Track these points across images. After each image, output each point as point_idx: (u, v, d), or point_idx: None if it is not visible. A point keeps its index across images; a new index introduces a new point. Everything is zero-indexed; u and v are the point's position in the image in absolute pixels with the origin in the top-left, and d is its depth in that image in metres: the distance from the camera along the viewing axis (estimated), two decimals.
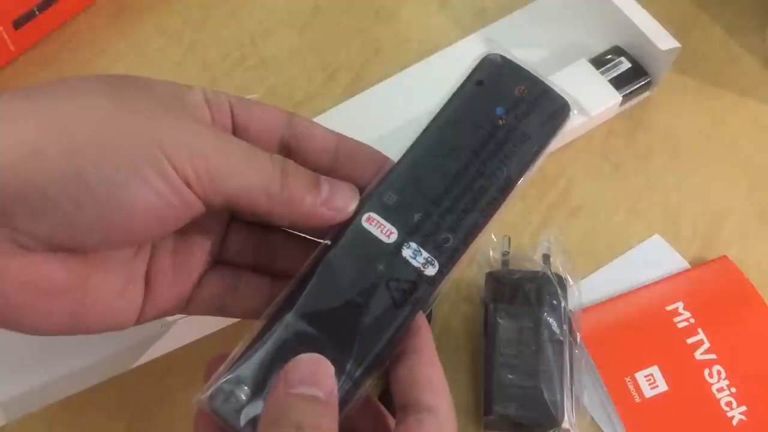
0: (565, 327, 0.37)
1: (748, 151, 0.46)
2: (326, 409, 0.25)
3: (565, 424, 0.35)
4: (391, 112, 0.46)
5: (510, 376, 0.35)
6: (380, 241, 0.28)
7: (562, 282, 0.38)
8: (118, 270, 0.27)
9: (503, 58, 0.30)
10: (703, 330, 0.38)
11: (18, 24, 0.47)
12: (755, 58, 0.49)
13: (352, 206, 0.28)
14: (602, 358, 0.38)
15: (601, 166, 0.45)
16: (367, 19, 0.51)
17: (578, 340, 0.37)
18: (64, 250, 0.25)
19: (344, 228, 0.28)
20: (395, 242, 0.28)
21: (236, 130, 0.30)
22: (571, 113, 0.30)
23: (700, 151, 0.45)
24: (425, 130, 0.30)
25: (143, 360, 0.37)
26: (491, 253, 0.40)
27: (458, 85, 0.30)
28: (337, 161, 0.30)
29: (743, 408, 0.36)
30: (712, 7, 0.51)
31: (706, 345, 0.38)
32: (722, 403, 0.37)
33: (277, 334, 0.27)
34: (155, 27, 0.50)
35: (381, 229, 0.28)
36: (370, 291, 0.27)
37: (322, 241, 0.29)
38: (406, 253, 0.28)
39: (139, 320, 0.29)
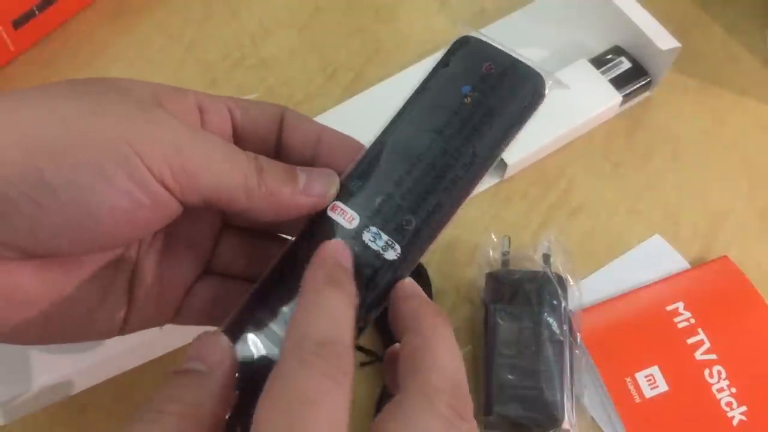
0: (565, 327, 0.37)
1: (749, 151, 0.46)
2: (205, 380, 0.24)
3: (565, 424, 0.35)
4: (391, 112, 0.46)
5: (510, 377, 0.35)
6: (343, 228, 0.27)
7: (562, 282, 0.38)
8: (97, 280, 0.27)
9: (472, 38, 0.29)
10: (703, 330, 0.38)
11: (18, 24, 0.47)
12: (755, 57, 0.49)
13: (332, 191, 0.28)
14: (602, 358, 0.38)
15: (601, 166, 0.45)
16: (367, 19, 0.51)
17: (578, 340, 0.37)
18: (35, 258, 0.24)
19: (313, 218, 0.28)
20: (356, 227, 0.27)
21: (237, 135, 0.29)
22: (547, 86, 0.28)
23: (700, 151, 0.45)
24: (393, 117, 0.29)
25: (143, 360, 0.37)
26: (491, 253, 0.40)
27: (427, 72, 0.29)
28: (319, 152, 0.30)
29: (743, 408, 0.36)
30: (712, 6, 0.51)
31: (707, 345, 0.38)
32: (722, 403, 0.37)
33: (244, 328, 0.26)
34: (155, 27, 0.50)
35: (344, 215, 0.27)
36: None
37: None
38: (366, 237, 0.27)
39: (124, 331, 0.28)
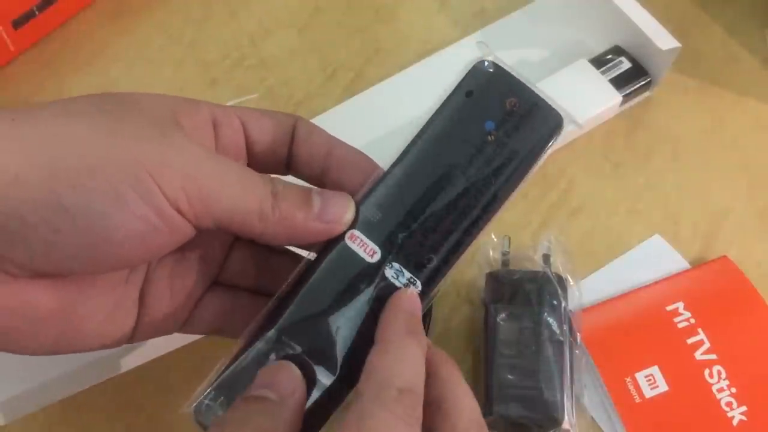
0: (565, 327, 0.37)
1: (748, 150, 0.46)
2: (277, 409, 0.24)
3: (565, 424, 0.35)
4: (391, 112, 0.46)
5: (510, 377, 0.35)
6: (363, 261, 0.27)
7: (562, 282, 0.38)
8: (109, 294, 0.27)
9: (495, 65, 0.28)
10: (703, 330, 0.38)
11: (18, 24, 0.47)
12: (755, 57, 0.49)
13: (348, 217, 0.28)
14: (602, 358, 0.38)
15: (601, 166, 0.45)
16: (367, 19, 0.51)
17: (578, 340, 0.37)
18: (49, 276, 0.25)
19: (329, 243, 0.28)
20: (378, 262, 0.27)
21: (249, 147, 0.29)
22: (564, 127, 0.28)
23: (700, 151, 0.45)
24: (413, 142, 0.29)
25: (143, 360, 0.37)
26: (491, 253, 0.40)
27: (448, 93, 0.29)
28: (329, 166, 0.30)
29: (743, 408, 0.36)
30: (712, 6, 0.51)
31: (707, 345, 0.38)
32: (722, 403, 0.37)
33: (257, 349, 0.27)
34: (155, 27, 0.50)
35: (364, 248, 0.27)
36: (352, 311, 0.27)
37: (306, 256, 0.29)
38: (389, 273, 0.27)
39: (132, 340, 0.28)
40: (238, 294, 0.31)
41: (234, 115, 0.29)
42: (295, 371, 0.26)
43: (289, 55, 0.49)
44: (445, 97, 0.29)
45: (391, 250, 0.27)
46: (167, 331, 0.30)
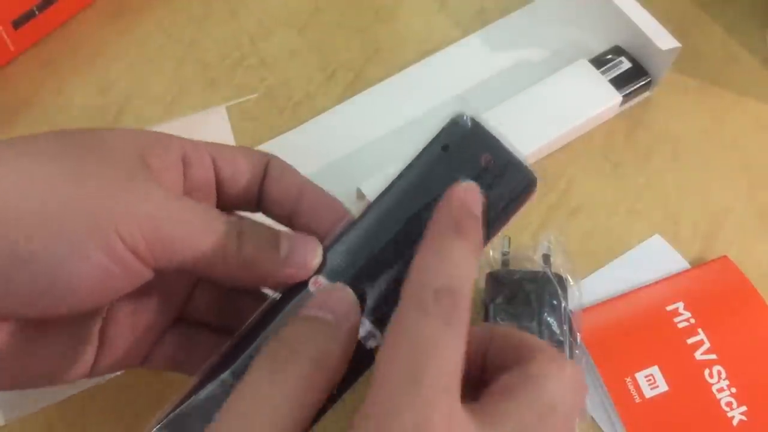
0: (565, 327, 0.37)
1: (748, 150, 0.46)
2: (334, 331, 0.24)
3: None
4: (391, 112, 0.46)
5: None
6: None
7: (562, 282, 0.38)
8: (67, 332, 0.27)
9: (472, 121, 0.28)
10: (703, 330, 0.38)
11: (18, 24, 0.47)
12: (755, 57, 0.49)
13: (314, 263, 0.27)
14: (602, 358, 0.38)
15: (601, 166, 0.45)
16: (367, 19, 0.51)
17: (578, 340, 0.37)
18: (2, 320, 0.24)
19: (292, 287, 0.27)
20: None
21: (219, 184, 0.29)
22: (536, 189, 0.28)
23: (700, 151, 0.45)
24: (385, 191, 0.28)
25: None
26: (491, 253, 0.40)
27: (425, 145, 0.28)
28: (300, 208, 0.29)
29: (743, 408, 0.36)
30: (712, 6, 0.51)
31: (707, 345, 0.38)
32: (722, 403, 0.37)
33: (209, 390, 0.26)
34: (155, 26, 0.50)
35: None
36: None
37: (271, 295, 0.28)
38: None
39: (91, 375, 0.28)
40: (201, 331, 0.30)
41: (205, 151, 0.29)
42: (349, 293, 0.25)
43: (289, 55, 0.49)
44: (421, 149, 0.28)
45: None
46: (128, 367, 0.29)
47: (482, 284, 0.39)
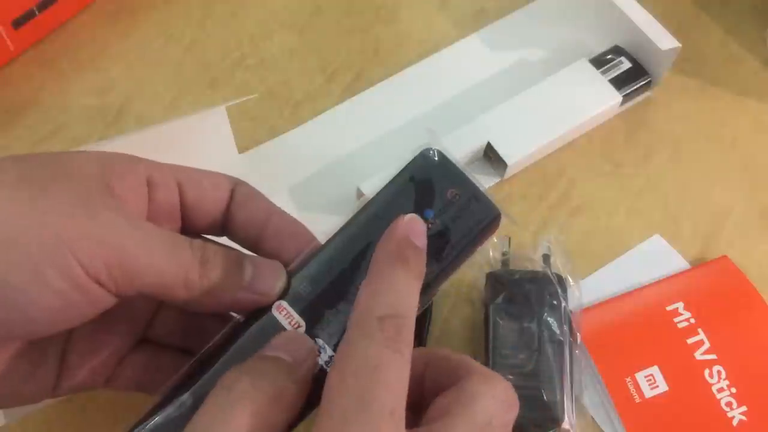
0: (565, 327, 0.37)
1: (748, 151, 0.46)
2: (292, 369, 0.24)
3: (565, 424, 0.35)
4: (391, 112, 0.46)
5: (510, 377, 0.35)
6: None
7: (562, 282, 0.38)
8: (27, 354, 0.27)
9: (440, 154, 0.29)
10: (703, 330, 0.38)
11: (18, 24, 0.47)
12: (755, 58, 0.49)
13: (277, 289, 0.27)
14: (602, 358, 0.38)
15: (601, 166, 0.45)
16: (367, 19, 0.51)
17: (578, 340, 0.37)
18: None
19: (256, 310, 0.27)
20: None
21: (184, 208, 0.29)
22: (500, 224, 0.28)
23: (700, 151, 0.45)
24: (351, 220, 0.28)
25: None
26: (491, 253, 0.40)
27: (393, 176, 0.29)
28: (266, 234, 0.29)
29: (743, 408, 0.36)
30: (712, 7, 0.51)
31: (707, 345, 0.38)
32: (722, 403, 0.37)
33: (169, 412, 0.26)
34: (155, 27, 0.50)
35: (290, 320, 0.27)
36: None
37: (236, 316, 0.28)
38: None
39: (53, 395, 0.28)
40: (164, 352, 0.30)
41: (170, 174, 0.29)
42: (309, 341, 0.26)
43: (289, 55, 0.49)
44: (389, 180, 0.29)
45: (315, 325, 0.27)
46: (90, 388, 0.29)
47: (482, 284, 0.39)
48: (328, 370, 0.24)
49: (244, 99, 0.42)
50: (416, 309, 0.25)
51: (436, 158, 0.29)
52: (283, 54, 0.49)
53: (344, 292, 0.27)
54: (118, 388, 0.30)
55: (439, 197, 0.28)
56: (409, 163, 0.29)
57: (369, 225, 0.28)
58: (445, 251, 0.28)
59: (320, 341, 0.27)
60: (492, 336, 0.37)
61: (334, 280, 0.27)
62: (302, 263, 0.28)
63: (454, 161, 0.29)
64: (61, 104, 0.47)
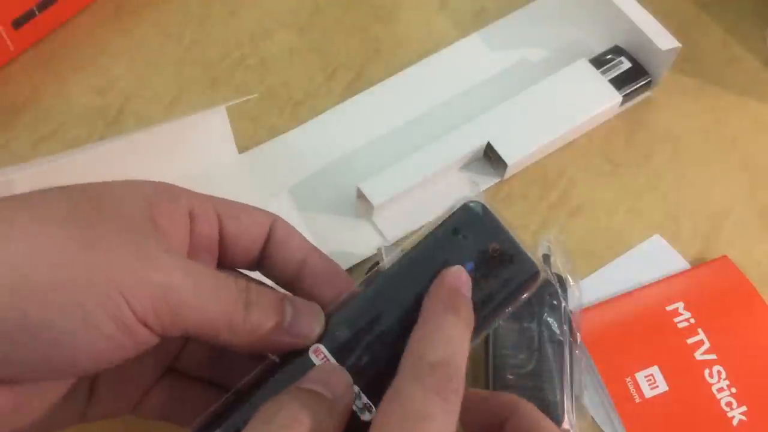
0: (565, 327, 0.37)
1: (749, 150, 0.46)
2: (332, 405, 0.24)
3: (565, 424, 0.35)
4: (391, 112, 0.46)
5: (510, 377, 0.35)
6: None
7: (562, 282, 0.38)
8: (62, 387, 0.27)
9: (483, 208, 0.29)
10: (703, 330, 0.38)
11: (18, 24, 0.46)
12: (756, 57, 0.49)
13: (316, 332, 0.27)
14: (602, 358, 0.38)
15: (601, 166, 0.45)
16: (367, 19, 0.51)
17: (578, 340, 0.37)
18: (4, 382, 0.24)
19: (294, 351, 0.27)
20: None
21: (223, 241, 0.29)
22: (539, 282, 0.29)
23: (700, 150, 0.45)
24: (393, 266, 0.29)
25: None
26: None
27: (435, 225, 0.29)
28: (303, 274, 0.29)
29: (743, 408, 0.36)
30: (712, 6, 0.51)
31: (707, 345, 0.38)
32: (722, 403, 0.37)
33: None
34: (155, 27, 0.50)
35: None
36: None
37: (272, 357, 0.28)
38: None
39: (79, 422, 0.28)
40: (191, 384, 0.30)
41: (211, 207, 0.28)
42: (347, 376, 0.26)
43: (289, 55, 0.49)
44: (431, 228, 0.29)
45: (352, 371, 0.27)
46: (116, 415, 0.29)
47: None
48: (374, 414, 0.24)
49: (244, 99, 0.42)
50: (467, 358, 0.25)
51: (480, 212, 0.29)
52: (283, 54, 0.49)
53: (382, 339, 0.27)
54: (143, 416, 0.30)
55: (480, 251, 0.28)
56: (452, 214, 0.29)
57: (409, 274, 0.28)
58: (481, 305, 0.28)
59: (356, 388, 0.27)
60: (492, 336, 0.37)
61: (373, 328, 0.27)
62: (341, 306, 0.28)
63: (496, 215, 0.29)
64: (61, 104, 0.47)
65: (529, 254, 0.28)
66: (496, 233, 0.29)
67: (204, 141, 0.42)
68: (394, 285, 0.28)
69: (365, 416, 0.26)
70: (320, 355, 0.27)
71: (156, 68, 0.48)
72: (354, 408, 0.26)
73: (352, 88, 0.47)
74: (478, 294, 0.28)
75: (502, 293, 0.28)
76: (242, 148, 0.45)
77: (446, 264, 0.28)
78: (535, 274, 0.28)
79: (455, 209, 0.29)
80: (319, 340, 0.27)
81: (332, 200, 0.43)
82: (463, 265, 0.28)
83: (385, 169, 0.42)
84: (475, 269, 0.28)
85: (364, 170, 0.42)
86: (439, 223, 0.29)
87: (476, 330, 0.27)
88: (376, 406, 0.26)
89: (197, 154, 0.42)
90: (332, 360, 0.27)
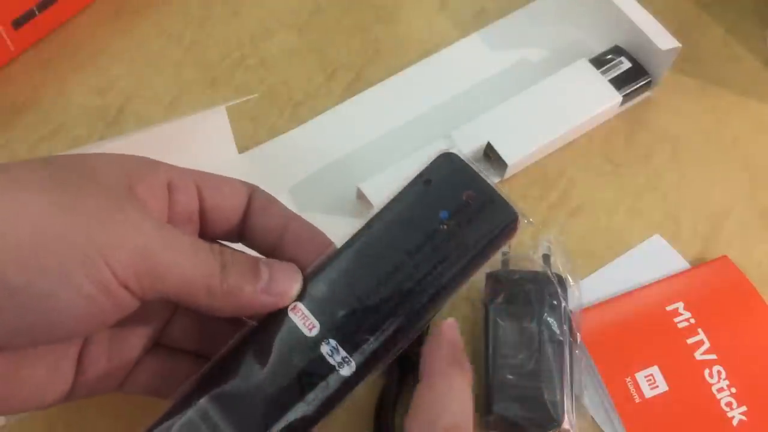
0: (565, 327, 0.37)
1: (749, 150, 0.46)
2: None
3: (565, 425, 0.35)
4: (391, 112, 0.46)
5: (510, 377, 0.35)
6: (302, 334, 0.27)
7: (562, 282, 0.38)
8: (48, 357, 0.27)
9: (457, 158, 0.29)
10: (703, 330, 0.38)
11: (18, 24, 0.47)
12: (756, 57, 0.49)
13: (294, 291, 0.28)
14: (602, 358, 0.38)
15: (601, 166, 0.45)
16: (367, 19, 0.51)
17: (578, 340, 0.37)
18: None
19: (273, 312, 0.28)
20: (315, 337, 0.27)
21: (203, 213, 0.29)
22: (519, 225, 0.28)
23: (700, 150, 0.45)
24: (368, 223, 0.29)
25: None
26: None
27: (409, 180, 0.29)
28: (284, 240, 0.30)
29: (743, 408, 0.36)
30: (712, 6, 0.51)
31: (707, 345, 0.38)
32: (722, 403, 0.37)
33: (187, 417, 0.26)
34: (155, 27, 0.50)
35: (304, 321, 0.27)
36: (283, 383, 0.27)
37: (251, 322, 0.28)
38: (324, 349, 0.27)
39: (67, 399, 0.28)
40: (178, 357, 0.30)
41: (191, 179, 0.29)
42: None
43: (289, 55, 0.49)
44: (406, 183, 0.29)
45: (330, 326, 0.27)
46: (103, 391, 0.29)
47: (482, 284, 0.39)
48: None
49: (244, 99, 0.42)
50: (472, 416, 0.27)
51: (453, 161, 0.29)
52: (283, 54, 0.49)
53: (360, 295, 0.27)
54: (131, 392, 0.30)
55: (456, 199, 0.28)
56: (425, 167, 0.29)
57: (385, 228, 0.28)
58: (460, 254, 0.28)
59: (333, 342, 0.27)
60: (492, 336, 0.37)
61: (350, 283, 0.28)
62: (318, 266, 0.28)
63: (470, 163, 0.29)
64: (61, 104, 0.47)
65: (508, 200, 0.28)
66: (472, 181, 0.28)
67: (204, 141, 0.42)
68: (372, 240, 0.28)
69: (344, 370, 0.27)
70: (298, 312, 0.27)
71: (156, 68, 0.48)
72: (332, 362, 0.27)
73: (352, 89, 0.47)
74: (456, 243, 0.28)
75: (481, 241, 0.28)
76: (242, 148, 0.45)
77: (422, 216, 0.28)
78: (515, 219, 0.28)
79: (429, 162, 0.29)
80: (299, 299, 0.28)
81: (332, 200, 0.43)
82: (437, 214, 0.28)
83: (385, 169, 0.42)
84: (452, 218, 0.28)
85: (364, 170, 0.42)
86: (414, 176, 0.29)
87: (457, 280, 0.27)
88: (354, 361, 0.27)
89: (197, 154, 0.42)
90: (310, 316, 0.27)
